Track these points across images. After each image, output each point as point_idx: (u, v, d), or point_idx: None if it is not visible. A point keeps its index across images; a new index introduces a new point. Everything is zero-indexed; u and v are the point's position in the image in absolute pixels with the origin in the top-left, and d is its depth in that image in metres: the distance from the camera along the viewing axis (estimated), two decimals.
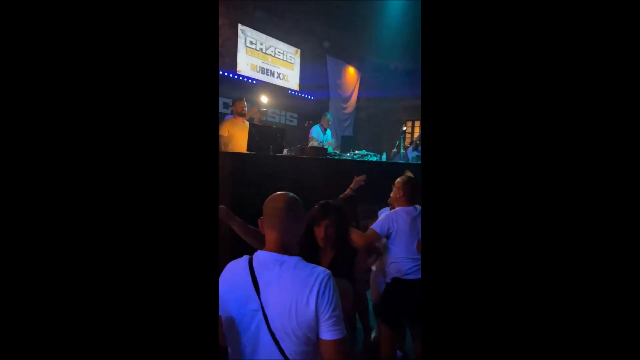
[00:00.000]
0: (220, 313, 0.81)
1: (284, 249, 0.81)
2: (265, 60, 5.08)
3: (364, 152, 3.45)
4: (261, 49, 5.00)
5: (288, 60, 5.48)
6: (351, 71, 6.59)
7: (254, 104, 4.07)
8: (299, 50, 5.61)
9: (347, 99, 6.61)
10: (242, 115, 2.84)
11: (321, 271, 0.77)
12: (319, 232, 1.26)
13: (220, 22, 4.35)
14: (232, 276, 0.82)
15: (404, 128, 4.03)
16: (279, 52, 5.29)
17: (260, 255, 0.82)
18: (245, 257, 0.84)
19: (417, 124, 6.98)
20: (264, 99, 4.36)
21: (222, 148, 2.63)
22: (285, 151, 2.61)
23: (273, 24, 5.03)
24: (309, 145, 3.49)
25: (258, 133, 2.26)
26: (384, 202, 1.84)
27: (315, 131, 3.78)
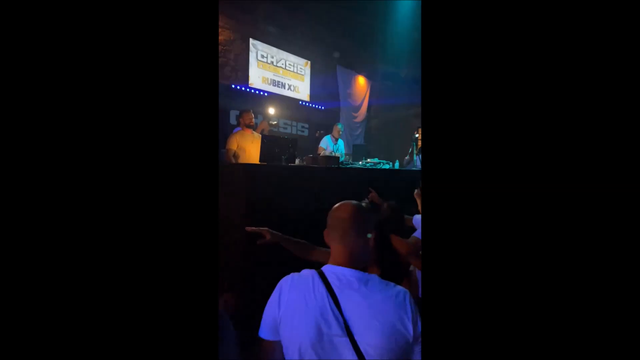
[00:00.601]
0: (276, 337, 0.70)
1: (356, 263, 0.73)
2: (276, 73, 5.18)
3: (376, 160, 3.42)
4: (272, 62, 5.11)
5: (298, 72, 5.57)
6: (361, 80, 6.63)
7: (264, 117, 4.12)
8: (309, 62, 5.69)
9: (358, 108, 6.63)
10: (250, 127, 2.84)
11: (404, 290, 0.70)
12: None
13: (232, 37, 4.49)
14: (301, 293, 0.69)
15: (416, 135, 3.98)
16: (289, 64, 5.39)
17: (335, 271, 0.71)
18: (311, 272, 0.72)
19: None
20: (272, 111, 4.41)
21: (232, 161, 2.66)
22: (297, 161, 2.62)
23: (283, 38, 5.15)
24: (322, 154, 3.49)
25: (270, 144, 2.28)
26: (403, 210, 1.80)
27: (325, 141, 3.78)
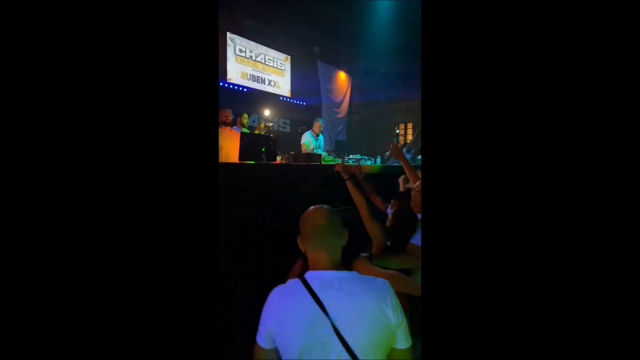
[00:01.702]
0: (271, 346, 0.75)
1: (337, 265, 0.77)
2: (255, 68, 5.05)
3: (358, 156, 3.42)
4: (251, 57, 4.98)
5: (278, 67, 5.46)
6: (342, 76, 6.61)
7: (257, 116, 3.99)
8: (289, 57, 5.60)
9: (339, 104, 6.61)
10: (227, 124, 2.76)
11: (383, 282, 0.75)
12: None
13: None
14: (288, 303, 0.74)
15: (397, 131, 4.02)
16: (269, 59, 5.27)
17: (317, 276, 0.75)
18: (295, 281, 0.77)
19: (410, 126, 7.00)
20: (268, 112, 4.29)
21: None
22: (278, 158, 2.55)
23: (262, 32, 5.02)
24: (301, 152, 3.45)
25: (249, 141, 2.21)
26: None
27: (307, 137, 3.72)
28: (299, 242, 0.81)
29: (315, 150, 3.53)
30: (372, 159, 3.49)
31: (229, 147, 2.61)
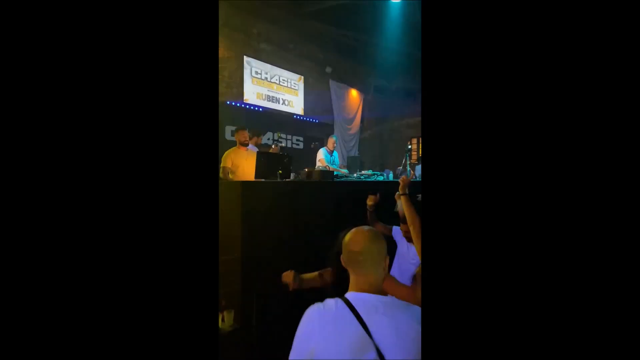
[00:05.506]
0: None
1: (376, 288, 0.78)
2: (270, 88, 5.27)
3: (370, 172, 3.47)
4: (266, 78, 5.21)
5: (292, 87, 5.67)
6: (354, 93, 6.76)
7: (272, 134, 4.10)
8: (302, 77, 5.82)
9: (351, 121, 6.73)
10: (244, 144, 2.88)
11: (419, 309, 0.74)
12: None
13: (227, 55, 4.59)
14: (331, 324, 0.73)
15: (409, 146, 4.04)
16: (283, 80, 5.50)
17: (360, 298, 0.76)
18: (335, 300, 0.76)
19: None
20: (260, 126, 4.44)
21: (228, 178, 2.67)
22: (292, 175, 2.65)
23: (276, 55, 5.27)
24: (317, 167, 3.54)
25: (265, 160, 2.32)
26: (394, 223, 1.83)
27: (321, 154, 3.83)
28: (342, 262, 0.81)
29: (329, 167, 3.62)
30: (384, 174, 3.54)
31: (245, 166, 2.73)
